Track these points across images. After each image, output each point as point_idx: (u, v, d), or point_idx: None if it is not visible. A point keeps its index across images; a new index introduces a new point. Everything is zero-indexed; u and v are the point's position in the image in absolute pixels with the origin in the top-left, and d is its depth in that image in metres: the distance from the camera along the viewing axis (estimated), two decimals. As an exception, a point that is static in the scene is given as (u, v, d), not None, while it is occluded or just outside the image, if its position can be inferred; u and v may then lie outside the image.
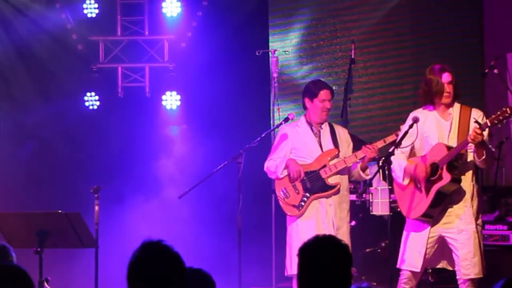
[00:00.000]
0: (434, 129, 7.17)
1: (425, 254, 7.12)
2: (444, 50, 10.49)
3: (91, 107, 10.40)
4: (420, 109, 7.29)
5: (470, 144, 6.93)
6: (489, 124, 6.80)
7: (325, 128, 7.84)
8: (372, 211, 9.24)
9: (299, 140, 7.78)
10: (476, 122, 6.85)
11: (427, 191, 7.06)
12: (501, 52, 9.54)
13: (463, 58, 10.31)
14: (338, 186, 7.66)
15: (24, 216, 7.01)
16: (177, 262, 3.68)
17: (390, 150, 7.22)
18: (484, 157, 6.91)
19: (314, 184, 7.66)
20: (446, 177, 6.98)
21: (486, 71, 8.81)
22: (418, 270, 7.15)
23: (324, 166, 7.68)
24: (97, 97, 10.40)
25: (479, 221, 7.16)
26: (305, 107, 7.83)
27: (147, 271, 3.62)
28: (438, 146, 7.08)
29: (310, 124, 7.81)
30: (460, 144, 6.98)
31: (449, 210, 7.10)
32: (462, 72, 9.64)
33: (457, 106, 7.20)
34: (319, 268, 3.84)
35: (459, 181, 7.06)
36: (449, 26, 10.66)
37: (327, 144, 7.77)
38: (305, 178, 7.67)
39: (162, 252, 3.68)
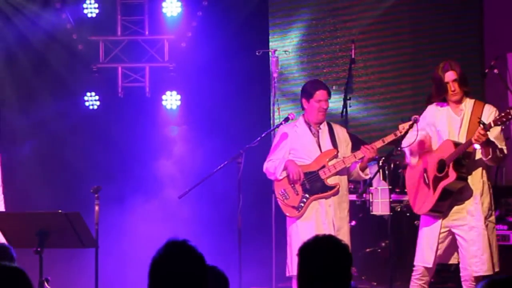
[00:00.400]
0: (445, 124, 7.18)
1: (437, 249, 7.13)
2: (444, 50, 10.49)
3: (91, 107, 10.40)
4: (434, 105, 7.31)
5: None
6: (492, 125, 6.81)
7: (324, 128, 7.82)
8: (372, 211, 9.24)
9: (297, 141, 7.76)
10: (481, 122, 6.86)
11: (434, 188, 7.08)
12: (501, 52, 9.54)
13: (463, 58, 10.31)
14: (338, 187, 7.65)
15: (24, 216, 7.00)
16: (200, 263, 3.68)
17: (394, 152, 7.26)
18: (490, 156, 6.92)
19: (313, 185, 7.65)
20: (452, 175, 6.99)
21: (486, 71, 8.81)
22: (430, 265, 7.15)
23: (323, 166, 7.67)
24: (97, 97, 10.40)
25: (492, 218, 7.17)
26: (303, 108, 7.83)
27: (171, 270, 3.62)
28: (445, 143, 7.10)
29: (308, 124, 7.79)
30: (466, 142, 6.99)
31: (460, 206, 7.11)
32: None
33: (470, 102, 7.21)
34: (319, 268, 3.84)
35: (465, 179, 7.07)
36: (449, 26, 10.66)
37: (326, 144, 7.76)
38: (304, 179, 7.66)
39: (187, 252, 3.68)
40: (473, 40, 10.68)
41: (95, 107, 10.40)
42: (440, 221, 7.14)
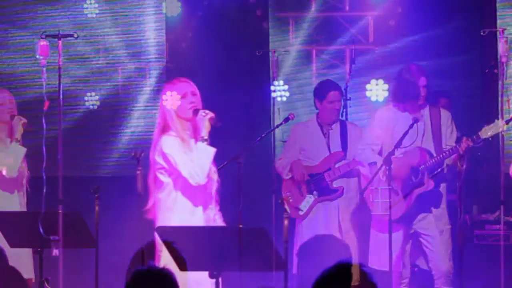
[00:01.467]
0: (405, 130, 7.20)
1: (404, 251, 7.24)
2: (444, 49, 10.48)
3: (91, 107, 10.40)
4: (391, 107, 7.36)
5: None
6: (481, 137, 6.93)
7: (335, 128, 7.83)
8: (372, 211, 9.22)
9: (307, 141, 7.78)
10: (469, 137, 6.97)
11: (406, 194, 7.17)
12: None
13: (463, 58, 10.29)
14: (341, 190, 7.65)
15: (24, 216, 7.01)
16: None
17: (390, 150, 7.26)
18: (464, 166, 7.02)
19: (318, 186, 7.66)
20: (429, 184, 7.11)
21: (486, 71, 8.81)
22: (400, 269, 7.26)
23: (329, 169, 7.68)
24: (97, 97, 10.40)
25: None
26: (316, 108, 7.87)
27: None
28: (415, 151, 7.15)
29: (320, 124, 7.81)
30: (447, 153, 7.07)
31: (428, 212, 7.24)
32: (462, 72, 9.65)
33: (426, 107, 7.30)
34: (317, 268, 3.84)
35: (439, 186, 7.19)
36: (449, 26, 10.64)
37: (336, 145, 7.76)
38: (310, 180, 7.66)
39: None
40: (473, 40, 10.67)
41: (95, 107, 10.39)
42: (402, 224, 7.23)
